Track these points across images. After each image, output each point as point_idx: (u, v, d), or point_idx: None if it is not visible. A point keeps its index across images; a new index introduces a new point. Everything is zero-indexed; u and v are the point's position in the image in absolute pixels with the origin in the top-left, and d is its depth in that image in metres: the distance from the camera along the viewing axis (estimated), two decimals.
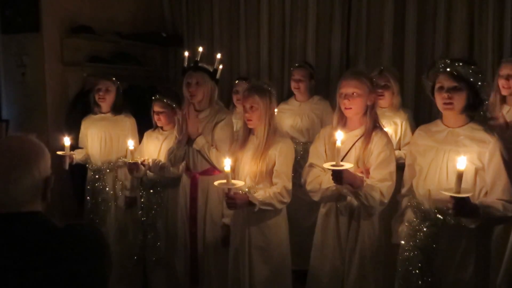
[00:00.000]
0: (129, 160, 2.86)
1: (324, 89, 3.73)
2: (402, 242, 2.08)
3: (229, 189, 2.21)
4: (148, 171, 2.97)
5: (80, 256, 1.21)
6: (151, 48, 4.57)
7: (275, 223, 2.44)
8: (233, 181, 2.21)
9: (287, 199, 2.37)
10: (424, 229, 1.98)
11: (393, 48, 3.67)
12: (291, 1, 4.05)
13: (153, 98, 3.05)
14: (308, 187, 2.30)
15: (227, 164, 2.13)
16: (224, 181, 2.17)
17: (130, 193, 3.23)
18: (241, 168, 2.47)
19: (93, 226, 1.35)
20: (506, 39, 3.24)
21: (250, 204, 2.31)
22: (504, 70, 2.74)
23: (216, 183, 2.22)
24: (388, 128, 2.97)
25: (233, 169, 2.46)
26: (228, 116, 2.76)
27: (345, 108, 2.23)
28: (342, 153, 2.18)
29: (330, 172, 2.05)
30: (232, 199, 2.26)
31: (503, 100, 2.80)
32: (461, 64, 1.90)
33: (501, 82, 2.75)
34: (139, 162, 2.88)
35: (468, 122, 1.97)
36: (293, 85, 3.51)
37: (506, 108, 2.76)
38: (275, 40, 4.15)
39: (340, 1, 3.84)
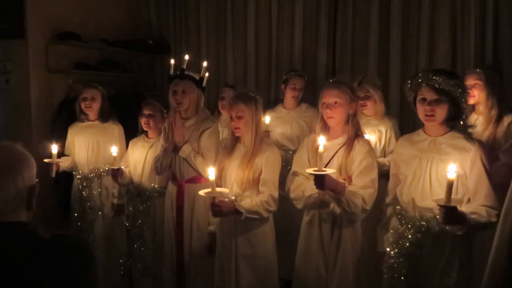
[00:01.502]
0: (113, 166, 2.84)
1: (310, 97, 3.76)
2: (388, 249, 2.10)
3: (214, 198, 2.21)
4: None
5: (66, 267, 1.19)
6: (138, 55, 4.55)
7: (262, 232, 2.44)
8: (218, 189, 2.22)
9: (273, 208, 2.38)
10: (409, 236, 2.00)
11: (378, 57, 3.72)
12: (278, 9, 4.07)
13: (142, 103, 3.04)
14: (292, 195, 2.32)
15: (211, 173, 2.13)
16: (209, 189, 2.17)
17: (117, 200, 3.20)
18: (228, 175, 2.47)
19: (79, 237, 1.33)
20: (488, 47, 3.31)
21: (237, 212, 2.31)
22: (468, 81, 2.82)
23: (200, 192, 2.21)
24: (373, 136, 3.01)
25: (220, 176, 2.47)
26: (214, 124, 2.76)
27: (328, 117, 2.26)
28: (325, 161, 2.21)
29: (313, 179, 2.06)
30: (218, 207, 2.26)
31: (472, 109, 2.88)
32: (443, 77, 1.95)
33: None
34: (123, 168, 2.86)
35: (449, 131, 2.01)
36: (291, 93, 3.52)
37: (474, 117, 2.84)
38: (261, 48, 4.17)
39: (326, 10, 3.88)
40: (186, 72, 2.69)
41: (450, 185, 1.75)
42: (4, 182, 1.19)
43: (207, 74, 2.76)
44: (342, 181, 2.17)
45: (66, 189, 3.36)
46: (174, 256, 2.76)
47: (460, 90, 1.96)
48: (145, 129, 3.04)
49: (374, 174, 2.21)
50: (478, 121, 2.79)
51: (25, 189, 1.23)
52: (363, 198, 2.14)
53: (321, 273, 2.29)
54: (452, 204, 1.76)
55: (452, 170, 1.75)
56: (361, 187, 2.17)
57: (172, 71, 2.73)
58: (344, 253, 2.25)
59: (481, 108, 2.83)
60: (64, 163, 3.16)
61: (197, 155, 2.67)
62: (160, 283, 2.92)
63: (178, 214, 2.73)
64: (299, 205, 2.31)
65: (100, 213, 3.23)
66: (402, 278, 2.00)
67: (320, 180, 2.03)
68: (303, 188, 2.27)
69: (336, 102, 2.23)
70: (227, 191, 2.28)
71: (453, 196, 1.81)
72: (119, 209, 3.22)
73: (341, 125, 2.29)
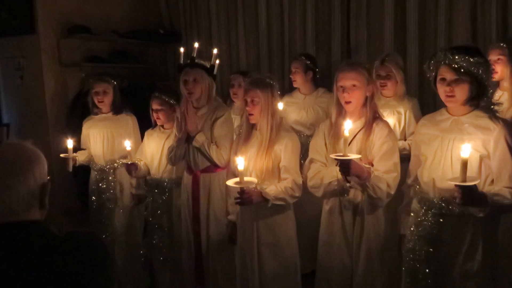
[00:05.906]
0: (127, 161, 2.84)
1: (326, 78, 3.67)
2: (408, 232, 2.04)
3: (242, 187, 2.16)
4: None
5: (81, 265, 1.18)
6: (149, 45, 4.52)
7: (284, 219, 2.41)
8: (246, 178, 2.17)
9: (298, 194, 2.34)
10: (429, 219, 1.94)
11: (394, 35, 3.59)
12: None
13: (151, 97, 3.02)
14: (310, 183, 2.27)
15: (240, 162, 2.08)
16: (237, 179, 2.13)
17: (136, 190, 3.20)
18: (246, 164, 2.41)
19: (93, 234, 1.33)
20: (510, 19, 3.16)
21: (264, 200, 2.27)
22: (491, 56, 2.72)
23: (228, 182, 2.17)
24: (391, 118, 2.92)
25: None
26: (227, 112, 2.72)
27: (345, 102, 2.19)
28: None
29: (332, 167, 2.01)
30: (249, 194, 2.22)
31: (497, 85, 2.78)
32: (463, 56, 1.84)
33: None
34: (137, 163, 2.86)
35: (473, 110, 1.92)
36: (292, 78, 3.49)
37: (499, 93, 2.73)
38: (274, 32, 4.08)
39: None
40: (196, 61, 2.65)
41: (464, 165, 1.67)
42: (15, 182, 1.19)
43: (218, 62, 2.71)
44: (367, 166, 2.12)
45: (85, 182, 3.38)
46: (192, 247, 2.76)
47: (482, 68, 1.85)
48: (158, 123, 3.02)
49: (396, 158, 2.16)
50: (503, 97, 2.68)
51: (37, 188, 1.22)
52: (387, 183, 2.10)
53: (345, 262, 2.26)
54: (467, 182, 1.68)
55: (466, 149, 1.68)
56: (384, 171, 2.12)
57: (181, 60, 2.70)
58: (368, 239, 2.21)
59: (505, 84, 2.72)
60: (81, 157, 3.19)
61: (211, 144, 2.64)
62: (180, 274, 2.93)
63: (194, 204, 2.72)
64: (318, 193, 2.26)
65: (119, 203, 3.23)
66: (423, 262, 1.95)
67: (345, 166, 1.98)
68: (321, 175, 2.22)
69: (353, 85, 2.15)
70: (255, 181, 2.24)
71: (473, 175, 1.73)
72: (139, 198, 3.20)
73: (359, 108, 2.22)
